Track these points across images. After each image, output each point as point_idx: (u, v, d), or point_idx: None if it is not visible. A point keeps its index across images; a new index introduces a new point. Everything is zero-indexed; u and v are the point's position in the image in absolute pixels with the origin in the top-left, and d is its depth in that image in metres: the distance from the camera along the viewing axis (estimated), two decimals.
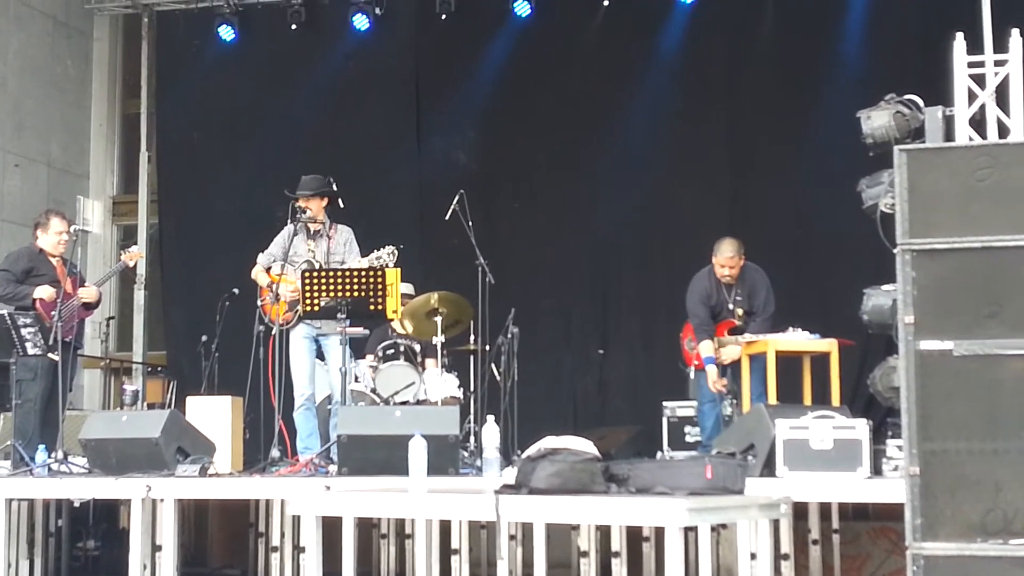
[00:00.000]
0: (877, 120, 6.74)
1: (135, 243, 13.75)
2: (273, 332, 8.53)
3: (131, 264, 9.70)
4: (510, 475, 5.86)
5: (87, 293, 9.29)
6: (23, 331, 8.50)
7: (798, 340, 8.68)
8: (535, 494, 5.42)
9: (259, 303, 8.72)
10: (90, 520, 9.57)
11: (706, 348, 8.89)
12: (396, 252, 8.45)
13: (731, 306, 8.97)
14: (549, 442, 5.72)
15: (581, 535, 7.79)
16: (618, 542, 7.53)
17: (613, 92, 12.28)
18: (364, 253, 8.67)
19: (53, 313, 8.70)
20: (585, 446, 5.72)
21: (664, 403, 9.97)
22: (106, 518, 9.69)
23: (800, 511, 7.86)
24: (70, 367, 8.91)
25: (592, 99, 12.31)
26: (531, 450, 5.74)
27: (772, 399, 8.33)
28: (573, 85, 12.37)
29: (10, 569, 8.11)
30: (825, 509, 8.57)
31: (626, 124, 12.18)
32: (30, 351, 8.54)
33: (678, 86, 12.19)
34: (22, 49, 13.85)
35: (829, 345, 8.62)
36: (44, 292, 8.97)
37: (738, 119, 12.07)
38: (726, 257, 8.86)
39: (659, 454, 9.49)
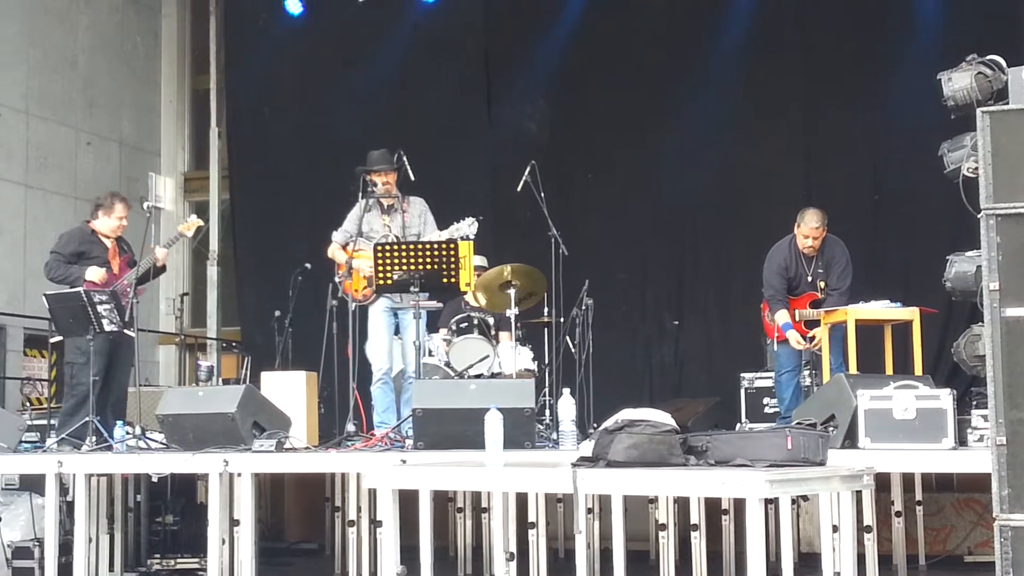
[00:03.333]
0: (958, 82, 6.57)
1: (209, 217, 13.95)
2: (351, 308, 8.51)
3: (188, 234, 9.64)
4: (587, 448, 5.80)
5: (160, 254, 9.25)
6: (99, 308, 8.53)
7: (879, 309, 8.52)
8: (613, 467, 5.35)
9: (337, 279, 8.71)
10: (168, 495, 9.61)
11: (782, 316, 8.75)
12: (476, 223, 8.37)
13: (810, 278, 8.81)
14: (626, 414, 5.63)
15: (659, 508, 7.72)
16: (697, 515, 7.44)
17: (685, 59, 12.13)
18: (441, 225, 8.61)
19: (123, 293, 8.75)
20: (663, 418, 5.63)
21: (742, 374, 9.85)
22: (184, 493, 9.73)
23: (882, 482, 7.74)
24: (124, 347, 8.97)
25: (664, 66, 12.18)
26: (608, 422, 5.65)
27: (852, 369, 8.20)
28: (644, 52, 12.23)
29: (91, 544, 8.18)
30: (908, 480, 8.44)
31: (699, 91, 12.03)
32: (107, 327, 8.57)
33: (751, 52, 12.01)
34: (92, 27, 13.94)
35: (911, 313, 8.46)
36: (95, 275, 8.95)
37: (813, 84, 11.89)
38: (811, 227, 8.69)
39: (738, 425, 9.37)
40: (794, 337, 8.65)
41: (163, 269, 9.58)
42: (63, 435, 8.56)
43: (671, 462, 5.34)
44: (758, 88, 11.97)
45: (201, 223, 9.63)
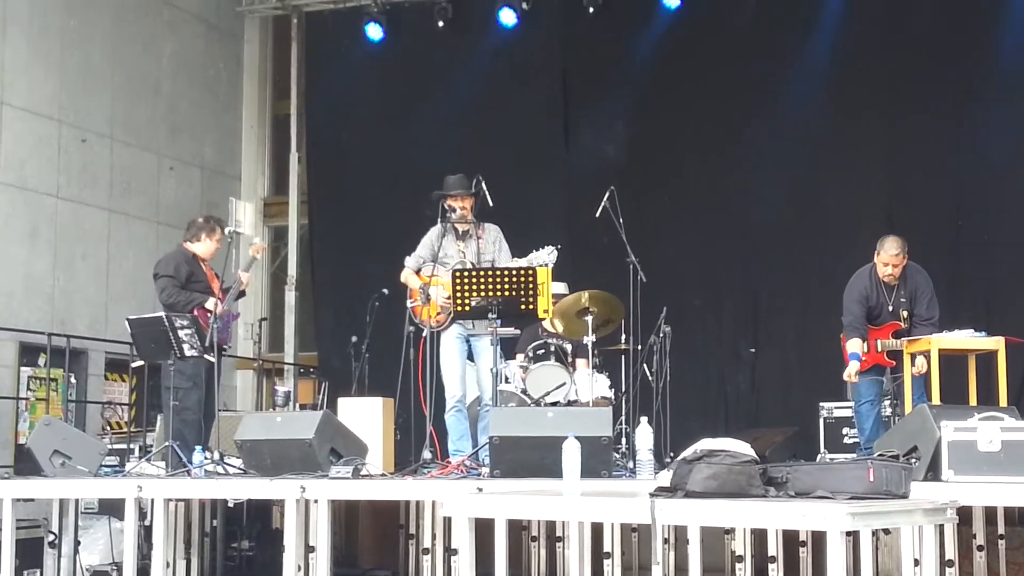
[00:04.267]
0: None
1: (288, 241, 14.07)
2: (424, 334, 8.51)
3: (258, 256, 9.72)
4: (664, 478, 5.74)
5: (245, 278, 9.40)
6: (180, 333, 8.61)
7: (963, 338, 8.39)
8: (691, 497, 5.29)
9: (409, 305, 8.71)
10: (244, 520, 9.68)
11: (854, 345, 8.63)
12: (556, 251, 8.34)
13: (891, 307, 8.69)
14: (705, 444, 5.58)
15: (736, 539, 7.62)
16: (774, 546, 7.34)
17: (764, 85, 12.06)
18: (518, 252, 8.59)
19: (210, 319, 8.83)
20: (742, 448, 5.56)
21: (820, 403, 9.73)
22: (259, 518, 9.79)
23: (964, 515, 7.59)
24: (217, 370, 9.02)
25: (743, 92, 12.10)
26: (687, 452, 5.60)
27: (935, 399, 8.06)
28: (723, 78, 12.16)
29: (168, 568, 8.23)
30: (990, 512, 8.28)
31: (778, 117, 11.94)
32: (187, 352, 8.66)
33: (833, 77, 11.91)
34: (175, 53, 14.12)
35: (995, 343, 8.32)
36: (212, 305, 9.04)
37: (894, 112, 11.77)
38: (890, 255, 8.57)
39: (818, 456, 9.25)
40: (851, 368, 8.53)
41: (244, 293, 9.68)
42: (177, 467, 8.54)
43: (751, 493, 5.28)
44: (839, 114, 11.87)
45: (264, 246, 9.72)
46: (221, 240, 9.43)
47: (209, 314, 8.95)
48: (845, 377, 8.58)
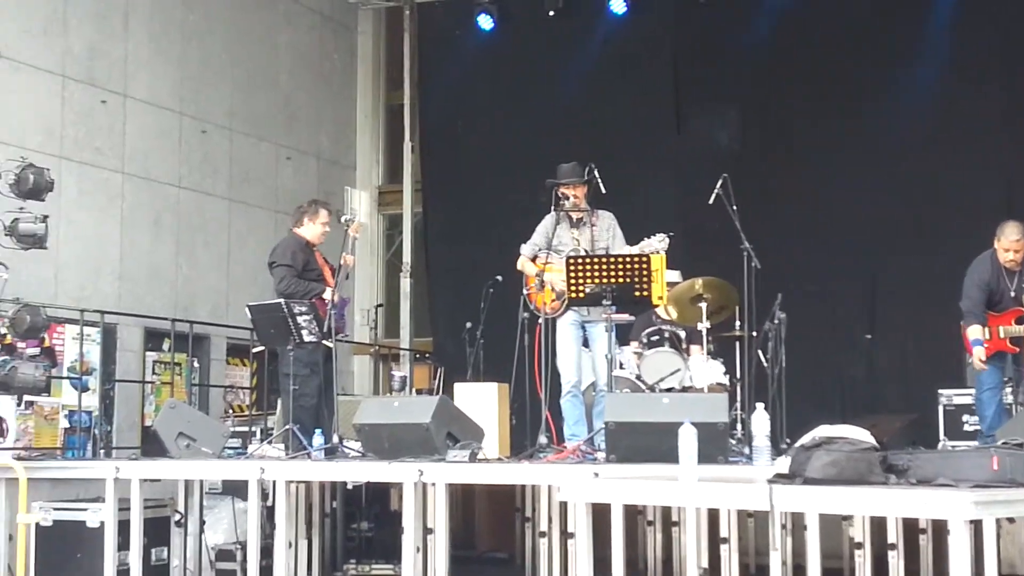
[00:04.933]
0: None
1: (403, 229, 14.20)
2: (539, 320, 8.57)
3: (357, 236, 9.72)
4: (782, 464, 5.75)
5: (350, 260, 9.47)
6: (299, 319, 8.76)
7: None
8: (810, 484, 5.31)
9: (525, 291, 8.77)
10: (363, 502, 9.82)
11: (975, 332, 8.54)
12: (668, 239, 8.35)
13: (1013, 293, 8.56)
14: (824, 431, 5.58)
15: (855, 526, 7.57)
16: (894, 534, 7.29)
17: (880, 68, 11.94)
18: (630, 240, 8.62)
19: (328, 307, 8.97)
20: (861, 435, 5.56)
21: (940, 390, 9.62)
22: (378, 500, 9.93)
23: None
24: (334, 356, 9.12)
25: (858, 76, 11.99)
26: (805, 439, 5.61)
27: None
28: (837, 62, 12.06)
29: (290, 548, 8.40)
30: None
31: (894, 101, 11.81)
32: (307, 338, 8.80)
33: (949, 61, 11.73)
34: (292, 46, 14.37)
35: None
36: (328, 295, 9.14)
37: (1015, 93, 11.54)
38: (1011, 240, 8.45)
39: (939, 444, 9.15)
40: (978, 354, 8.43)
41: (348, 275, 9.78)
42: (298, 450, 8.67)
43: (870, 480, 5.27)
44: (957, 97, 11.70)
45: (363, 222, 9.78)
46: (328, 222, 9.50)
47: (327, 303, 9.07)
48: (975, 363, 8.47)
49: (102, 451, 10.63)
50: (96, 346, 10.97)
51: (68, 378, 10.97)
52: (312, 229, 9.50)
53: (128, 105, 12.13)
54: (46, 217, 9.13)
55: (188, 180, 12.79)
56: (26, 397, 10.20)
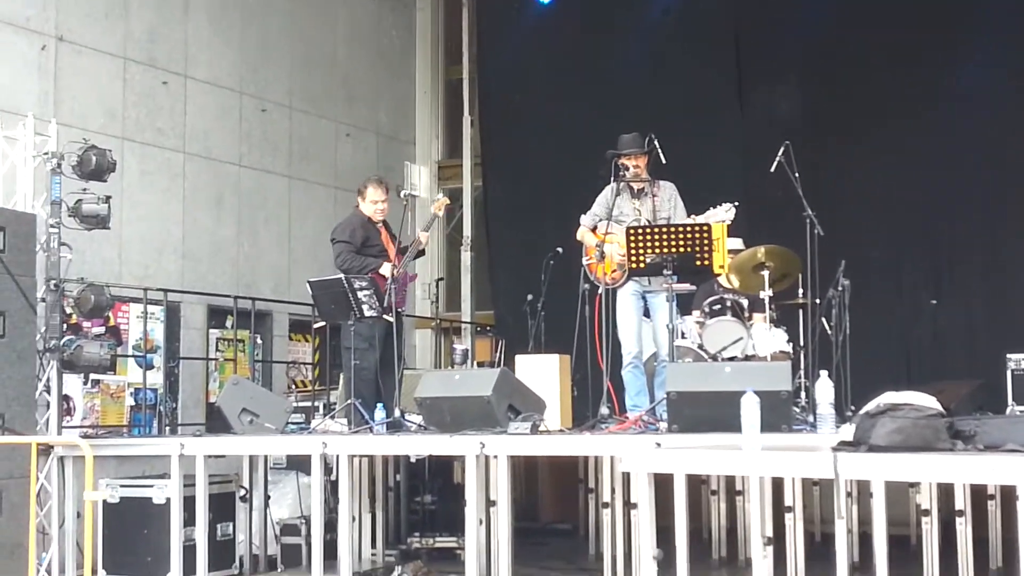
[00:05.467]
0: None
1: (463, 203, 14.20)
2: (600, 291, 8.53)
3: (440, 213, 9.78)
4: (846, 431, 5.69)
5: (424, 237, 9.49)
6: (360, 294, 8.78)
7: None
8: (875, 451, 5.24)
9: (585, 262, 8.74)
10: (426, 475, 9.85)
11: None
12: (734, 209, 8.28)
13: None
14: (889, 397, 5.50)
15: (922, 493, 7.50)
16: (961, 500, 7.20)
17: (946, 35, 11.70)
18: (693, 210, 8.55)
19: (388, 282, 8.98)
20: (927, 401, 5.47)
21: (1008, 355, 9.46)
22: (441, 473, 9.95)
23: None
24: (398, 331, 9.11)
25: (921, 43, 11.77)
26: (870, 406, 5.53)
27: None
28: (901, 27, 11.84)
29: (354, 522, 8.44)
30: None
31: (959, 67, 11.61)
32: (367, 313, 8.83)
33: (1014, 23, 11.47)
34: (349, 22, 14.40)
35: None
36: (387, 270, 9.17)
37: None
38: None
39: (1008, 409, 9.01)
40: None
41: (423, 252, 9.79)
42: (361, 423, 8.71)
43: (937, 447, 5.19)
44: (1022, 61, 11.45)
45: (448, 201, 9.79)
46: (380, 199, 9.46)
47: (385, 279, 9.08)
48: None
49: (167, 428, 10.74)
50: (160, 324, 11.06)
51: (133, 356, 11.09)
52: (366, 207, 9.51)
53: (189, 86, 12.21)
54: (109, 198, 9.19)
55: (248, 159, 12.85)
56: (92, 376, 10.34)
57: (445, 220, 14.80)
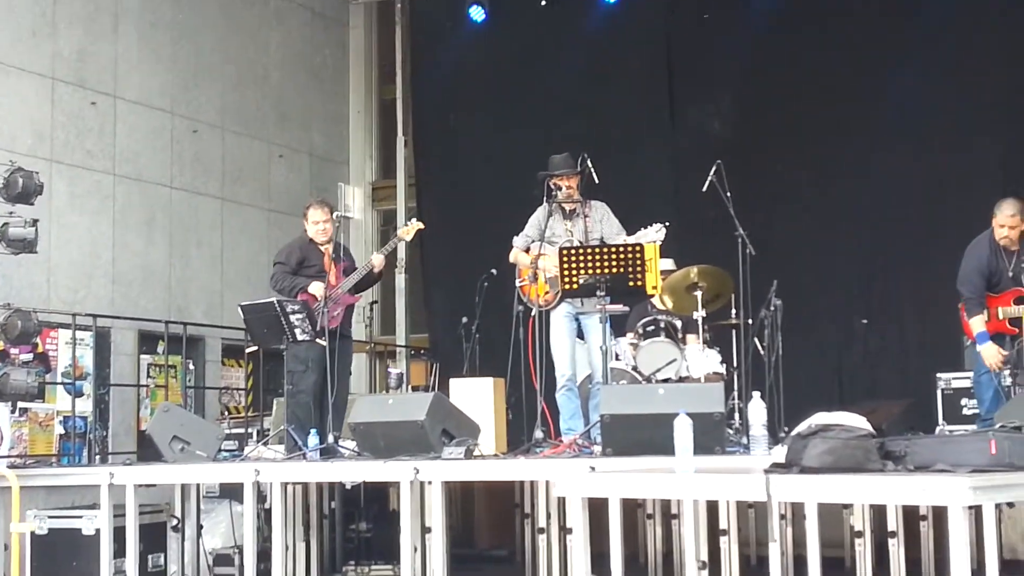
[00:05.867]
0: None
1: (397, 225, 14.10)
2: (532, 313, 8.50)
3: (407, 238, 9.73)
4: (779, 453, 5.68)
5: (377, 260, 9.40)
6: (292, 318, 8.70)
7: None
8: (807, 473, 5.24)
9: (518, 284, 8.71)
10: (361, 502, 9.76)
11: (978, 323, 8.39)
12: (664, 229, 8.28)
13: (1011, 273, 8.45)
14: (820, 418, 5.51)
15: (855, 514, 7.51)
16: (894, 521, 7.23)
17: (873, 51, 11.80)
18: (627, 229, 8.55)
19: (317, 302, 8.90)
20: (858, 422, 5.49)
21: (938, 374, 9.54)
22: (376, 500, 9.87)
23: None
24: (339, 354, 9.02)
25: (854, 62, 11.86)
26: (801, 427, 5.54)
27: None
28: (832, 48, 11.94)
29: (288, 551, 8.34)
30: None
31: (890, 85, 11.69)
32: (299, 337, 8.75)
33: (946, 41, 11.57)
34: (283, 42, 14.32)
35: None
36: (316, 289, 9.09)
37: (1014, 77, 11.39)
38: (1007, 216, 8.34)
39: (937, 428, 9.08)
40: (990, 353, 8.29)
41: (380, 276, 9.69)
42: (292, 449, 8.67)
43: (868, 468, 5.21)
44: (954, 78, 11.50)
45: (421, 225, 9.71)
46: (322, 219, 9.36)
47: (316, 299, 9.01)
48: (989, 360, 8.33)
49: (98, 457, 10.59)
50: (90, 350, 10.91)
51: (62, 383, 10.92)
52: (309, 228, 9.45)
53: (119, 106, 12.08)
54: (36, 221, 9.08)
55: (180, 180, 12.73)
56: (20, 404, 10.17)
57: (379, 242, 14.72)
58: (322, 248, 9.38)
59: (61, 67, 11.51)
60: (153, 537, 8.72)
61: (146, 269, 12.21)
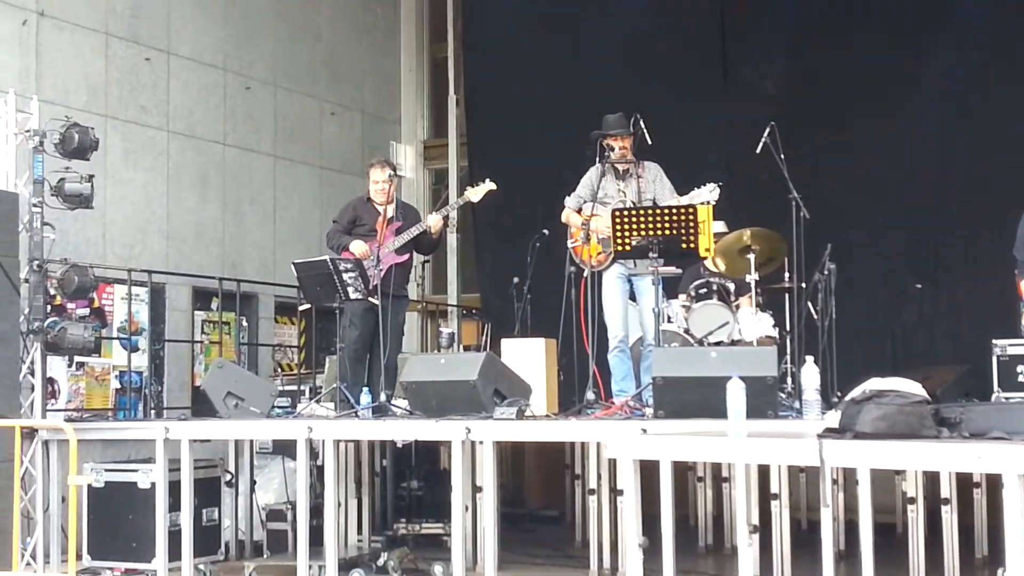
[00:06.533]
0: None
1: (448, 184, 14.09)
2: (584, 274, 8.48)
3: (475, 198, 9.69)
4: (832, 418, 5.66)
5: (433, 221, 9.42)
6: (344, 276, 8.73)
7: None
8: (860, 438, 5.22)
9: (570, 245, 8.69)
10: (412, 460, 9.80)
11: None
12: (717, 188, 8.24)
13: None
14: (874, 384, 5.48)
15: (907, 481, 7.49)
16: (947, 488, 7.20)
17: (930, 11, 11.65)
18: (678, 190, 8.52)
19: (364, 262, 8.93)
20: (913, 388, 5.45)
21: (994, 340, 9.44)
22: (428, 458, 9.91)
23: None
24: (391, 313, 9.04)
25: (907, 20, 11.71)
26: (855, 392, 5.51)
27: None
28: (891, 10, 11.79)
29: (340, 507, 8.40)
30: None
31: (945, 43, 11.55)
32: (352, 295, 8.78)
33: (1005, 4, 11.43)
34: (334, 0, 14.28)
35: None
36: (357, 248, 9.17)
37: None
38: None
39: (993, 395, 9.00)
40: None
41: (438, 238, 9.68)
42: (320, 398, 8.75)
43: (922, 434, 5.18)
44: (1008, 41, 11.39)
45: (493, 187, 9.69)
46: (380, 179, 9.37)
47: (352, 258, 9.04)
48: None
49: (152, 411, 10.70)
50: (145, 306, 11.01)
51: (118, 338, 11.04)
52: (370, 187, 9.48)
53: (172, 62, 12.13)
54: (91, 176, 9.11)
55: (233, 137, 12.78)
56: (77, 358, 10.29)
57: (431, 201, 14.74)
58: (379, 207, 9.40)
59: (115, 22, 11.56)
60: (207, 492, 8.81)
61: (200, 226, 12.28)
